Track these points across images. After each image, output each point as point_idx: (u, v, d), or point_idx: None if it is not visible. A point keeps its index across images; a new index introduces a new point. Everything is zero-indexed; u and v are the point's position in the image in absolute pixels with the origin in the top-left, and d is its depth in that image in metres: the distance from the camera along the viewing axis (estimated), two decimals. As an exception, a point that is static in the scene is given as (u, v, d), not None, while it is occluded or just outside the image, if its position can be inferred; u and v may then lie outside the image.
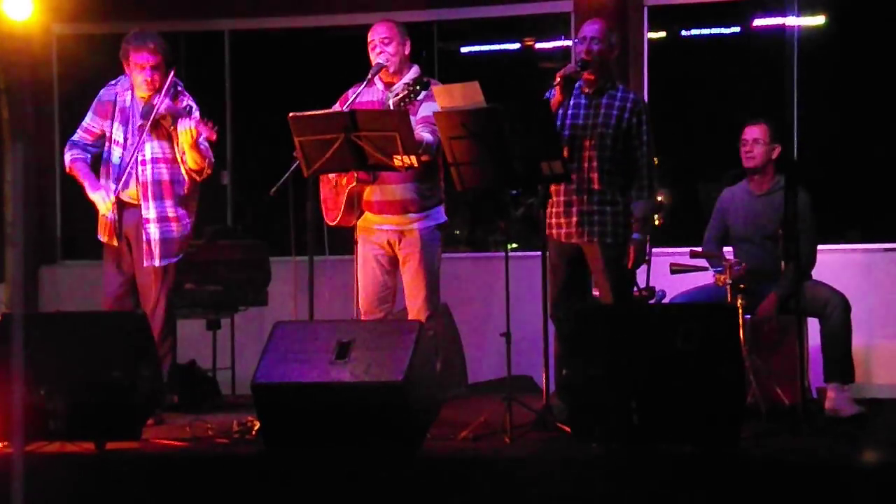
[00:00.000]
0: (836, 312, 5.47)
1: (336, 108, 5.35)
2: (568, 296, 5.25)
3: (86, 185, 5.58)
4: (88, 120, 5.62)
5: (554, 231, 5.30)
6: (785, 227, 5.17)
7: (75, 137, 5.64)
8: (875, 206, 7.24)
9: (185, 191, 5.61)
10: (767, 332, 5.61)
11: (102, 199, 5.52)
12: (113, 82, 5.65)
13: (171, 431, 5.21)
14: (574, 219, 5.24)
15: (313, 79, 7.69)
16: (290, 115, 5.01)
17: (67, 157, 5.62)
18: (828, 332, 5.50)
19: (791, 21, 7.22)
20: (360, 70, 5.44)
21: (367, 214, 5.38)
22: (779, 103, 6.23)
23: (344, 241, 5.46)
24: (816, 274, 5.71)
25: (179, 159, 5.52)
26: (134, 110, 5.55)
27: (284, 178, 5.12)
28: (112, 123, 5.55)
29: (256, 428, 4.94)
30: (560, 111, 5.23)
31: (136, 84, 5.54)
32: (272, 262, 6.91)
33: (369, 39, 5.40)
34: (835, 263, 6.26)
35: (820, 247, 5.78)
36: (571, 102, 5.29)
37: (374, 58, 5.37)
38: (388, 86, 5.39)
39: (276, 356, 4.65)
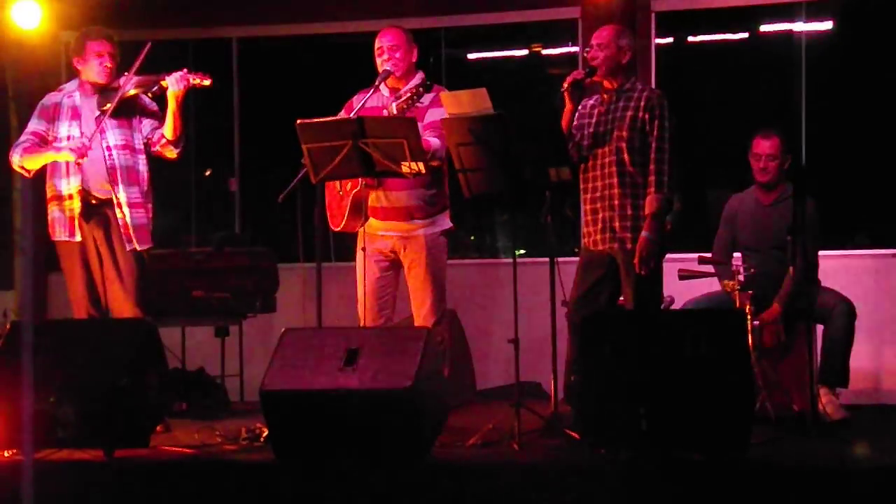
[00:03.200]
0: (841, 318, 5.48)
1: (341, 114, 5.36)
2: (588, 301, 5.23)
3: (49, 153, 5.47)
4: (35, 125, 5.57)
5: (585, 239, 5.32)
6: (793, 236, 5.15)
7: (22, 139, 5.55)
8: (883, 212, 7.23)
9: (146, 184, 5.61)
10: (779, 339, 5.59)
11: (75, 145, 5.39)
12: (58, 89, 5.67)
13: (180, 438, 5.22)
14: (599, 226, 5.23)
15: (321, 85, 7.71)
16: (298, 122, 5.01)
17: (18, 151, 5.49)
18: (830, 336, 5.50)
19: (798, 27, 7.23)
20: (367, 76, 5.45)
21: (372, 220, 5.39)
22: (786, 109, 6.23)
23: (351, 247, 5.46)
24: (825, 279, 5.71)
25: (146, 143, 5.59)
26: (88, 106, 5.56)
27: (292, 184, 5.13)
28: (60, 124, 5.53)
29: (265, 435, 4.94)
30: (572, 118, 5.22)
31: (91, 74, 5.56)
32: (280, 268, 6.92)
33: (377, 46, 5.41)
34: (843, 269, 6.25)
35: (828, 252, 5.78)
36: (595, 111, 5.28)
37: (382, 64, 5.37)
38: (394, 91, 5.40)
39: (285, 363, 4.65)
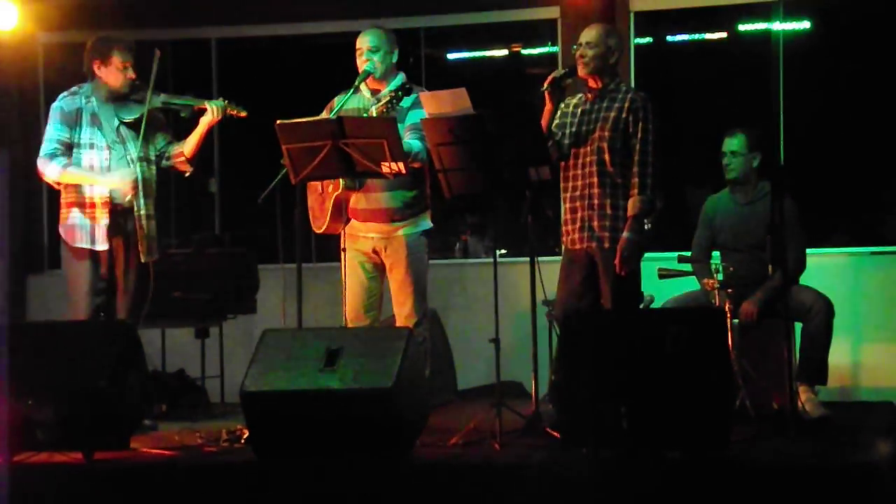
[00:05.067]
0: (819, 315, 5.50)
1: (324, 115, 5.36)
2: (573, 301, 5.24)
3: (94, 178, 5.47)
4: (59, 132, 5.53)
5: (565, 238, 5.34)
6: (771, 234, 5.17)
7: (51, 149, 5.50)
8: (861, 210, 7.27)
9: (155, 194, 5.66)
10: (755, 335, 5.62)
11: (122, 176, 5.44)
12: (71, 92, 5.63)
13: (160, 440, 5.20)
14: (577, 225, 5.24)
15: (300, 86, 7.69)
16: (278, 122, 5.01)
17: (56, 167, 5.46)
18: (808, 333, 5.52)
19: (776, 26, 7.25)
20: (346, 77, 5.44)
21: (354, 222, 5.40)
22: (764, 108, 6.25)
23: (332, 248, 5.46)
24: (803, 278, 5.73)
25: (162, 155, 5.65)
26: (107, 113, 5.56)
27: (272, 185, 5.12)
28: (80, 130, 5.52)
29: (245, 436, 4.93)
30: (552, 118, 5.22)
31: (113, 83, 5.54)
32: (260, 269, 6.91)
33: (357, 47, 5.41)
34: (821, 268, 6.28)
35: (807, 251, 5.80)
36: (578, 110, 5.29)
37: (362, 65, 5.38)
38: (375, 93, 5.40)
39: (265, 364, 4.64)
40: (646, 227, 5.18)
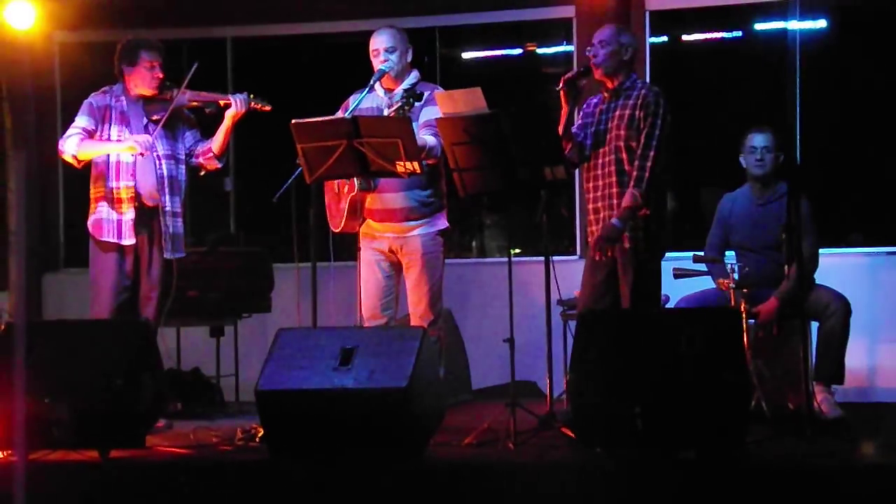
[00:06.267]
0: (836, 315, 5.48)
1: (338, 115, 5.36)
2: (595, 301, 5.23)
3: (110, 145, 5.51)
4: (85, 121, 5.60)
5: (590, 238, 5.34)
6: (787, 233, 5.15)
7: (72, 132, 5.56)
8: (878, 210, 7.24)
9: (184, 193, 5.71)
10: (771, 335, 5.60)
11: (141, 139, 5.43)
12: (102, 91, 5.68)
13: (175, 439, 5.21)
14: (600, 225, 5.23)
15: (315, 85, 7.70)
16: (293, 122, 5.01)
17: (73, 141, 5.50)
18: (825, 332, 5.50)
19: (793, 25, 7.22)
20: (361, 76, 5.44)
21: (370, 221, 5.40)
22: (781, 107, 6.22)
23: (347, 247, 5.47)
24: (820, 278, 5.71)
25: (192, 153, 5.70)
26: (135, 112, 5.60)
27: (287, 184, 5.13)
28: (109, 127, 5.58)
29: (260, 435, 4.94)
30: (569, 120, 5.20)
31: (141, 83, 5.61)
32: (275, 268, 6.92)
33: (372, 47, 5.41)
34: (838, 268, 6.25)
35: (823, 251, 5.78)
36: (597, 110, 5.28)
37: (377, 65, 5.38)
38: (389, 92, 5.40)
39: (280, 363, 4.65)
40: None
